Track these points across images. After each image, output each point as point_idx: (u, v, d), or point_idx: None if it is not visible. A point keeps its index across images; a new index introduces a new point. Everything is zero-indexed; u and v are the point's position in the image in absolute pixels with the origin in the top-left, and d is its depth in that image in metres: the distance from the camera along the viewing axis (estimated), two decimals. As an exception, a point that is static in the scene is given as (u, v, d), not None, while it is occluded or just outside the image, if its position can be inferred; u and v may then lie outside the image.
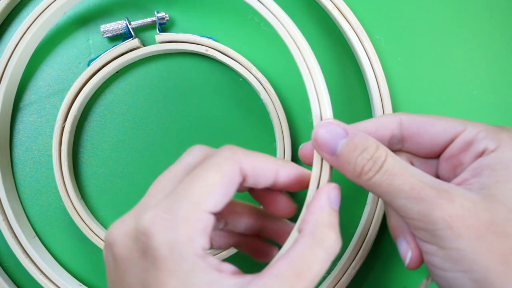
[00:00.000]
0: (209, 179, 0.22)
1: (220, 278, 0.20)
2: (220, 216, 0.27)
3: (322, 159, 0.25)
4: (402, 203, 0.22)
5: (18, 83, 0.37)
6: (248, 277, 0.21)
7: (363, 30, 0.36)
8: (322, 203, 0.23)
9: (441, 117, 0.25)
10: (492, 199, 0.21)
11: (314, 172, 0.25)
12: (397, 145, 0.26)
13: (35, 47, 0.37)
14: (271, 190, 0.26)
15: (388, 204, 0.24)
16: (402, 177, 0.22)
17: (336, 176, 0.37)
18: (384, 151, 0.23)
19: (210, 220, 0.22)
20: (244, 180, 0.24)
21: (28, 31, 0.35)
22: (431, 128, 0.25)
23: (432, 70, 0.37)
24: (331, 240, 0.21)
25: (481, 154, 0.23)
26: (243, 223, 0.28)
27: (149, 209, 0.22)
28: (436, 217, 0.21)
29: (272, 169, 0.24)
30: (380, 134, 0.25)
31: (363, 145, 0.23)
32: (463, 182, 0.23)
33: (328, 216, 0.22)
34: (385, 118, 0.26)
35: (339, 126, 0.24)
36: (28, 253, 0.36)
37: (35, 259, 0.36)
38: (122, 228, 0.22)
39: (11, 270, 0.38)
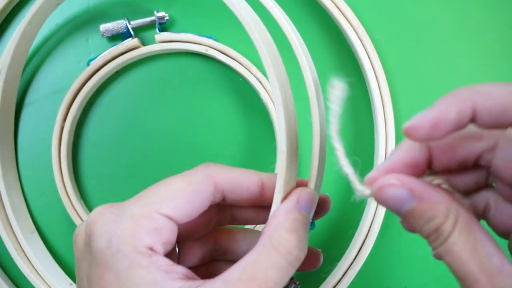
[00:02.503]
0: (172, 185, 0.21)
1: (165, 279, 0.19)
2: (214, 245, 0.26)
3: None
4: (457, 278, 0.19)
5: (19, 79, 0.37)
6: (198, 282, 0.20)
7: (364, 30, 0.36)
8: (289, 206, 0.21)
9: None
10: None
11: (280, 182, 0.22)
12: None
13: (31, 43, 0.36)
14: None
15: None
16: (460, 260, 0.18)
17: (332, 175, 0.37)
18: (452, 223, 0.18)
19: (167, 225, 0.21)
20: (223, 195, 0.23)
21: (19, 27, 0.34)
22: None
23: (433, 69, 0.37)
24: (290, 245, 0.20)
25: None
26: (245, 250, 0.26)
27: (104, 205, 0.21)
28: None
29: (254, 181, 0.23)
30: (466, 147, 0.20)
31: (431, 214, 0.18)
32: None
33: (292, 220, 0.21)
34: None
35: (403, 189, 0.19)
36: (23, 248, 0.36)
37: (28, 254, 0.36)
38: (85, 223, 0.22)
39: (7, 264, 0.38)
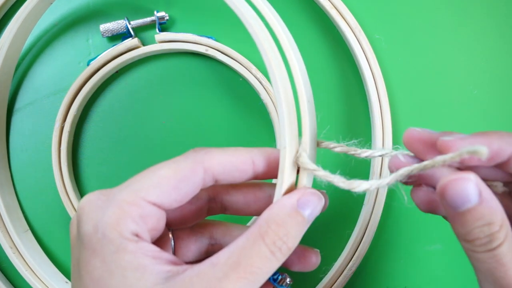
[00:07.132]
0: (159, 172, 0.22)
1: (152, 264, 0.20)
2: (210, 240, 0.27)
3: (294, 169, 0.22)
4: (486, 286, 0.20)
5: (10, 80, 0.37)
6: (186, 266, 0.20)
7: (361, 30, 0.36)
8: (286, 202, 0.21)
9: None
10: None
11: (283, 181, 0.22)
12: None
13: (24, 41, 0.36)
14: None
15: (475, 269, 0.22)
16: (506, 270, 0.19)
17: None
18: (504, 233, 0.19)
19: (154, 212, 0.21)
20: (214, 178, 0.23)
21: (13, 25, 0.34)
22: None
23: (432, 70, 0.37)
24: (275, 237, 0.20)
25: None
26: None
27: (94, 192, 0.22)
28: None
29: (244, 160, 0.23)
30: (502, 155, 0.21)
31: (489, 219, 0.19)
32: None
33: (284, 215, 0.21)
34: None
35: (477, 187, 0.19)
36: (17, 246, 0.36)
37: (23, 253, 0.36)
38: None
39: (3, 264, 0.38)
